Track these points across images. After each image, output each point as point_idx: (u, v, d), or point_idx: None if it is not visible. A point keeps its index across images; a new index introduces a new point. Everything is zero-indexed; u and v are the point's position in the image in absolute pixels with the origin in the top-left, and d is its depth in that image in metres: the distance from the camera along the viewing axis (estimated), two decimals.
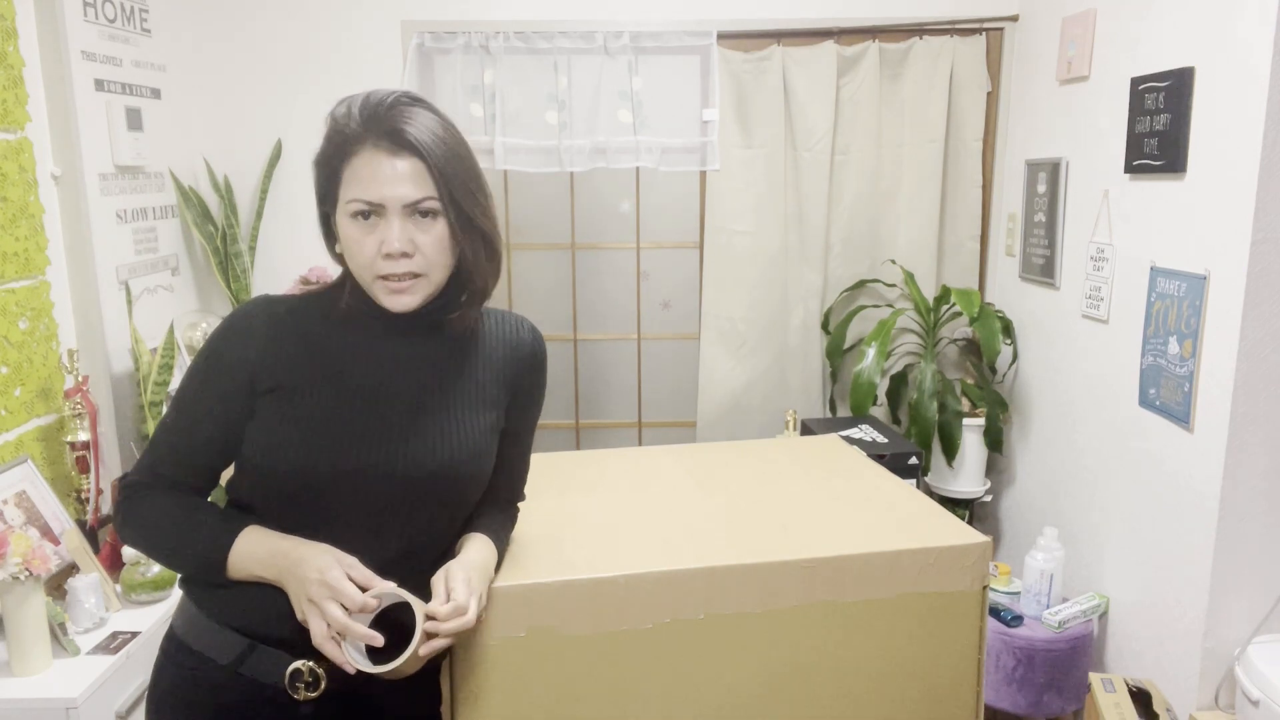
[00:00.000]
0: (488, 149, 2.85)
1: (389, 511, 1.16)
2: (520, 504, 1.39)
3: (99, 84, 2.29)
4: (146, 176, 2.52)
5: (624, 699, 1.29)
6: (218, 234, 2.68)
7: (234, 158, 2.81)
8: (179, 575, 1.22)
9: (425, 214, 1.11)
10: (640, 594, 1.27)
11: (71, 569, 1.95)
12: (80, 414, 2.09)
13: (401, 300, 1.13)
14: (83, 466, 2.11)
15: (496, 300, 3.09)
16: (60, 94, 2.17)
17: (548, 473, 1.71)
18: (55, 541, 1.94)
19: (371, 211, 1.10)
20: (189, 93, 2.73)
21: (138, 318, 2.39)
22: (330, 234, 1.18)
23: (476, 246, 1.16)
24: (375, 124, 1.10)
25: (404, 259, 1.11)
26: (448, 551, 1.24)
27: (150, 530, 1.16)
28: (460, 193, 1.12)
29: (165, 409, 1.22)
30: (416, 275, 1.12)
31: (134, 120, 2.42)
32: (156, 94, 2.58)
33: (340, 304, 1.18)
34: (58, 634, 1.80)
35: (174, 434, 1.17)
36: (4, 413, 1.97)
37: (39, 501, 1.96)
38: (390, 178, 1.09)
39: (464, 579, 1.14)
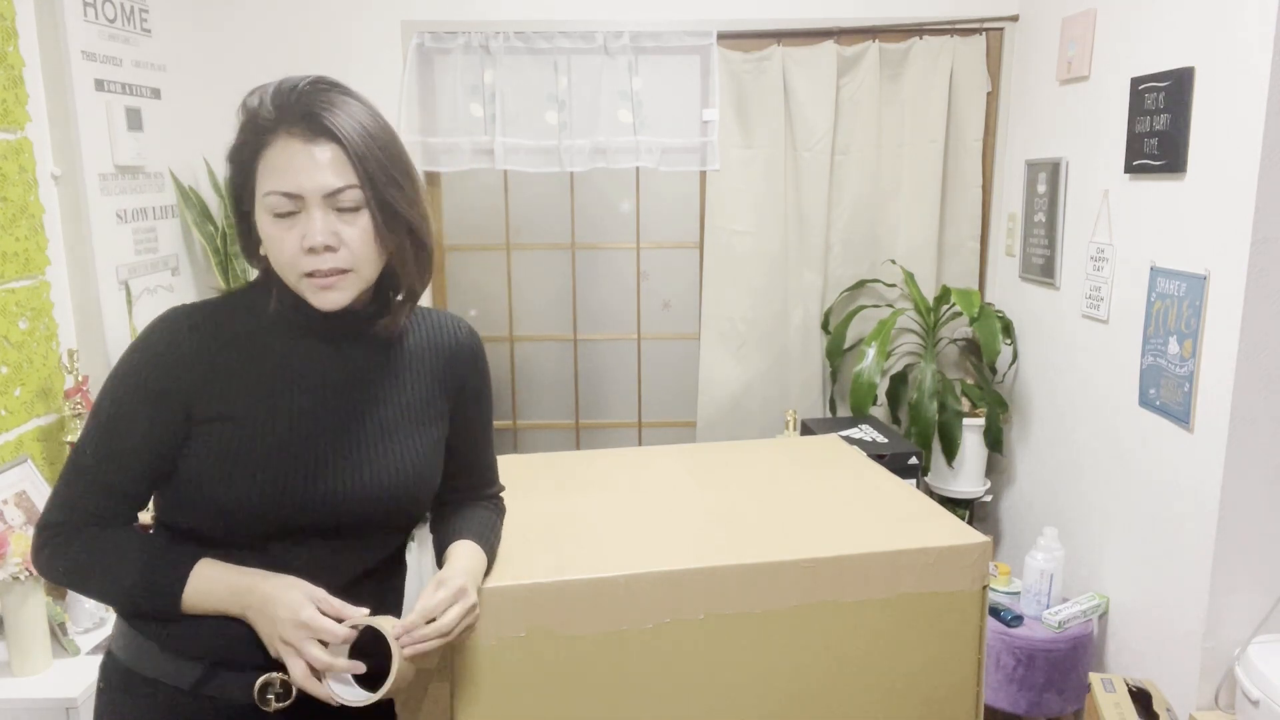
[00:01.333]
0: (488, 149, 2.85)
1: (341, 537, 1.12)
2: (501, 493, 1.38)
3: (99, 84, 2.29)
4: (146, 176, 2.52)
5: (624, 699, 1.29)
6: (218, 234, 2.68)
7: None
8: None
9: (348, 205, 1.04)
10: (640, 594, 1.27)
11: None
12: (80, 414, 2.09)
13: (330, 297, 1.06)
14: None
15: (498, 299, 3.11)
16: (60, 94, 2.17)
17: (548, 473, 1.71)
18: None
19: (291, 204, 1.03)
20: (189, 93, 2.73)
21: (138, 318, 2.39)
22: (249, 236, 1.10)
23: (403, 240, 1.08)
24: (289, 111, 1.03)
25: (328, 253, 1.03)
26: (398, 564, 1.24)
27: (87, 571, 1.08)
28: (382, 180, 1.04)
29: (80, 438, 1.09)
30: (344, 271, 1.05)
31: (134, 120, 2.42)
32: (156, 94, 2.58)
33: (268, 309, 1.11)
34: (58, 634, 1.80)
35: (98, 470, 1.08)
36: (4, 413, 1.97)
37: (39, 501, 1.96)
38: (307, 166, 1.02)
39: (446, 587, 1.10)
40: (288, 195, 1.03)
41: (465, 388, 1.25)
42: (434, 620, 1.07)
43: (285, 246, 1.04)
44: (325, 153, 1.03)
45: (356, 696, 1.05)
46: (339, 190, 1.03)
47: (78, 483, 1.09)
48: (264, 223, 1.05)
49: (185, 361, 1.07)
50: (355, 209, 1.04)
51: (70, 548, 1.08)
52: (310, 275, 1.05)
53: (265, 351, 1.11)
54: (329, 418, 1.12)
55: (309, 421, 1.11)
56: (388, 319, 1.14)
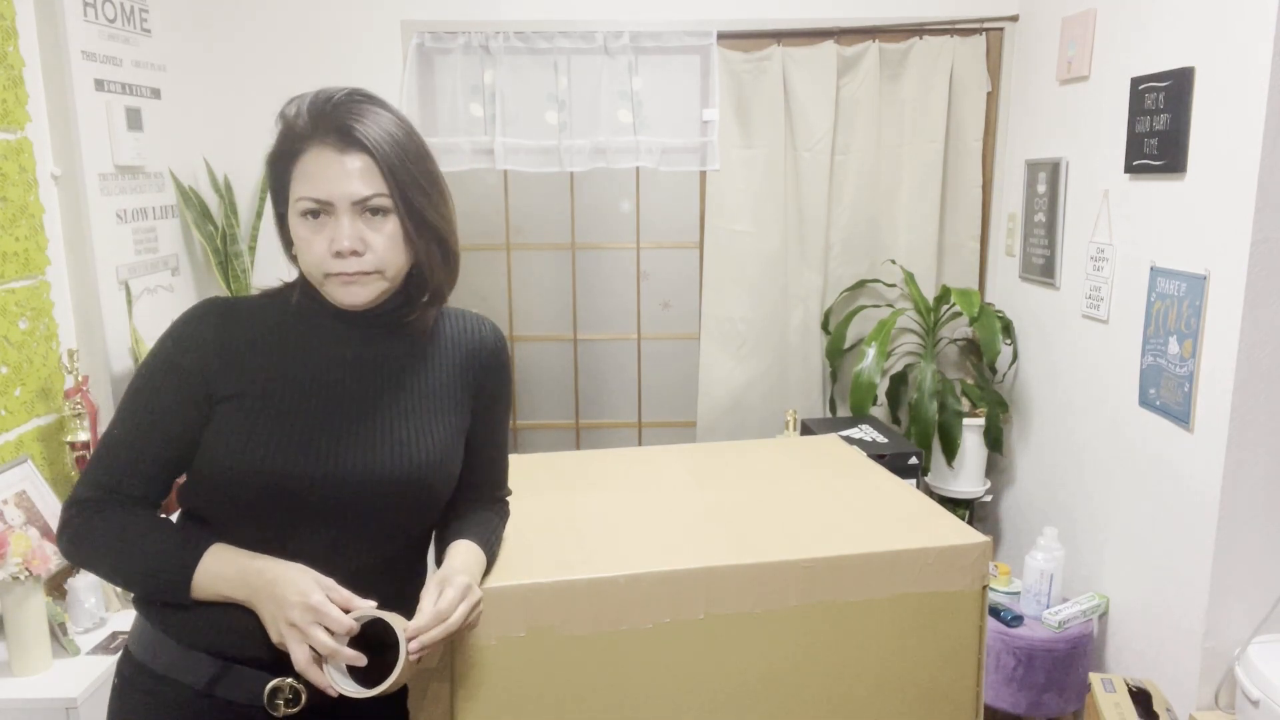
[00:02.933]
0: (488, 149, 2.85)
1: (356, 518, 1.13)
2: (508, 497, 1.38)
3: (99, 84, 2.29)
4: (146, 176, 2.52)
5: (624, 699, 1.29)
6: (218, 234, 2.68)
7: (234, 158, 2.81)
8: (134, 596, 1.16)
9: (376, 211, 1.09)
10: (640, 594, 1.27)
11: (71, 569, 1.95)
12: (80, 414, 2.09)
13: (353, 291, 1.10)
14: (83, 466, 2.11)
15: (498, 299, 3.11)
16: (60, 94, 2.17)
17: (548, 473, 1.71)
18: (55, 541, 1.94)
19: (320, 210, 1.08)
20: (189, 93, 2.73)
21: (138, 318, 2.39)
22: (286, 236, 1.15)
23: (430, 246, 1.14)
24: (323, 121, 1.08)
25: (354, 257, 1.08)
26: (416, 565, 1.23)
27: (105, 551, 1.10)
28: (412, 190, 1.10)
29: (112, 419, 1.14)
30: (368, 273, 1.10)
31: (134, 120, 2.42)
32: (156, 94, 2.58)
33: (294, 305, 1.16)
34: (58, 634, 1.80)
35: (125, 446, 1.11)
36: (4, 413, 1.97)
37: (39, 501, 1.96)
38: (338, 175, 1.07)
39: (453, 586, 1.11)
40: (318, 201, 1.08)
41: (485, 387, 1.26)
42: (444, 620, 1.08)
43: (314, 248, 1.09)
44: (356, 162, 1.07)
45: (356, 690, 1.04)
46: (367, 198, 1.08)
47: (103, 462, 1.12)
48: (295, 225, 1.11)
49: (208, 342, 1.12)
50: (383, 215, 1.09)
51: (90, 527, 1.10)
52: (333, 275, 1.10)
53: (287, 337, 1.15)
54: (347, 398, 1.14)
55: (326, 400, 1.13)
56: (417, 317, 1.18)
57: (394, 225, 1.10)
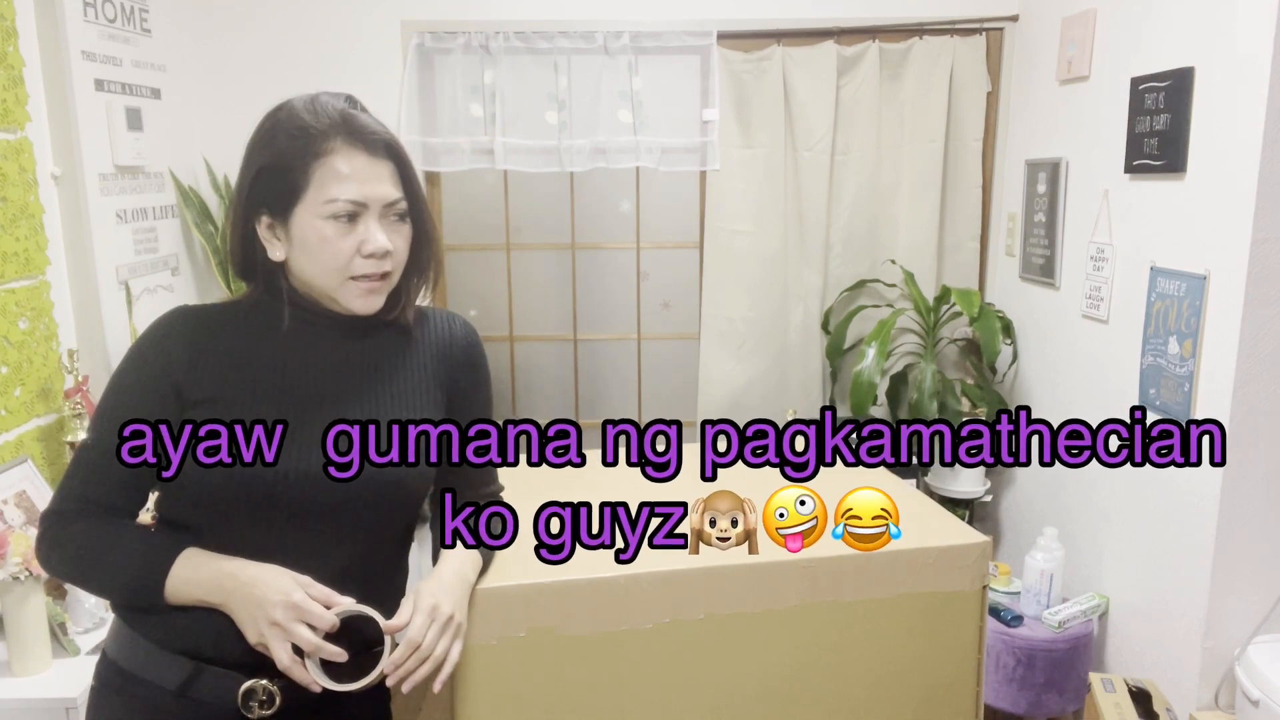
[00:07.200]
0: (488, 149, 2.85)
1: (332, 518, 1.13)
2: (501, 493, 1.38)
3: (99, 84, 2.29)
4: (146, 176, 2.51)
5: (624, 699, 1.29)
6: (218, 234, 2.68)
7: (234, 158, 2.77)
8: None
9: (399, 216, 1.13)
10: (640, 594, 1.27)
11: None
12: (80, 414, 2.09)
13: (373, 301, 1.14)
14: None
15: (498, 299, 3.11)
16: (60, 94, 2.16)
17: (548, 472, 1.71)
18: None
19: (356, 211, 1.09)
20: (189, 93, 2.73)
21: (138, 318, 2.39)
22: (250, 243, 1.14)
23: (430, 250, 1.20)
24: (343, 124, 1.11)
25: (386, 259, 1.12)
26: (396, 563, 1.23)
27: (78, 559, 1.10)
28: (418, 195, 1.16)
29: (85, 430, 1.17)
30: (387, 275, 1.14)
31: (134, 120, 2.42)
32: (156, 94, 2.58)
33: (264, 309, 1.15)
34: (58, 634, 1.80)
35: (99, 455, 1.11)
36: (4, 413, 1.97)
37: (39, 501, 1.96)
38: (373, 177, 1.10)
39: (420, 611, 1.12)
40: (354, 203, 1.09)
41: (458, 384, 1.26)
42: (418, 648, 1.10)
43: (340, 250, 1.10)
44: (384, 167, 1.12)
45: (337, 686, 1.04)
46: (395, 202, 1.12)
47: (77, 473, 1.13)
48: (319, 226, 1.09)
49: (178, 348, 1.12)
50: (402, 220, 1.14)
51: (66, 537, 1.11)
52: (357, 279, 1.12)
53: (257, 340, 1.15)
54: (320, 399, 1.14)
55: (299, 402, 1.13)
56: (399, 314, 1.20)
57: (409, 229, 1.15)
